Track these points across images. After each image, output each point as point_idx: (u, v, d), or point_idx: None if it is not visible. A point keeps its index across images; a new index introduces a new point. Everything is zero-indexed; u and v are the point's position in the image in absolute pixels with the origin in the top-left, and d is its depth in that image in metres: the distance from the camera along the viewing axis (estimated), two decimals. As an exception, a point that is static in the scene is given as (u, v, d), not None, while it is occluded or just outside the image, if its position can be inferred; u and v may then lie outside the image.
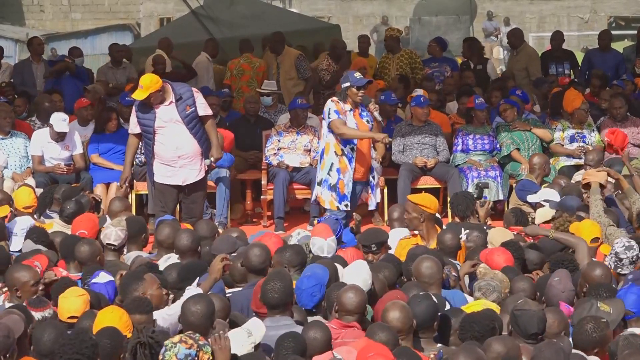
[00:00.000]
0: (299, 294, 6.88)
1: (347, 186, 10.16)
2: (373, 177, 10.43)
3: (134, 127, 10.47)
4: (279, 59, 14.74)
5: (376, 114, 10.20)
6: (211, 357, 5.62)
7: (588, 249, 8.16)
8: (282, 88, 14.38)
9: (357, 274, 7.21)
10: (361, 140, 10.19)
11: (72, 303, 6.69)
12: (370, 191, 10.40)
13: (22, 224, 9.35)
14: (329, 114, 10.08)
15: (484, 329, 6.29)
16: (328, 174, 10.20)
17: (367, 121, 10.20)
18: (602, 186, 9.33)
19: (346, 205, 10.15)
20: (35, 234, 8.88)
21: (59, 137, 12.02)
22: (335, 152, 10.16)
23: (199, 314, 6.23)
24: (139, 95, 10.14)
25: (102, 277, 7.38)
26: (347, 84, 10.14)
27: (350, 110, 10.15)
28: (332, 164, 10.18)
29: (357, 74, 10.30)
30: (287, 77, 14.59)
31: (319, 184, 10.32)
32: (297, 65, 14.60)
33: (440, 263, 7.34)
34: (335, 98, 10.28)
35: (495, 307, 6.88)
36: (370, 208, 10.45)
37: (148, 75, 10.44)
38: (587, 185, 9.52)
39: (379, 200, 12.03)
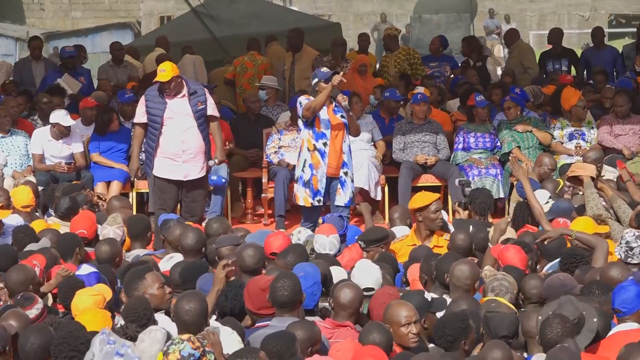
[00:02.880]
0: None
1: (321, 182, 10.21)
2: (345, 173, 10.41)
3: (141, 116, 10.44)
4: (296, 57, 14.59)
5: (344, 104, 10.22)
6: None
7: (607, 250, 8.02)
8: (297, 87, 14.29)
9: (369, 273, 7.23)
10: (334, 137, 10.23)
11: (82, 302, 6.69)
12: (340, 187, 10.39)
13: (9, 223, 9.32)
14: (301, 104, 10.22)
15: (455, 331, 6.19)
16: (302, 170, 10.30)
17: (342, 116, 10.27)
18: (593, 179, 9.29)
19: (318, 201, 10.23)
20: (22, 233, 8.82)
21: (65, 132, 12.00)
22: (307, 147, 10.26)
23: (193, 312, 6.17)
24: (164, 77, 10.14)
25: (84, 269, 7.37)
26: (316, 79, 10.27)
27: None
28: (305, 160, 10.28)
29: (324, 69, 10.47)
30: (303, 76, 14.39)
31: (296, 181, 10.42)
32: (315, 66, 14.43)
33: (478, 269, 7.31)
34: (306, 95, 10.49)
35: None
36: (336, 204, 10.38)
37: (167, 62, 10.54)
38: (575, 179, 9.48)
39: (379, 197, 12.11)
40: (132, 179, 10.94)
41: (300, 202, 10.36)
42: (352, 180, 10.45)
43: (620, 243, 7.80)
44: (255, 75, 14.76)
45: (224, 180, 11.81)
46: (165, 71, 10.17)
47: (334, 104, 10.26)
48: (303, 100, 10.26)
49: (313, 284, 6.84)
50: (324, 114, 10.22)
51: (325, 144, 10.22)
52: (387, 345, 6.04)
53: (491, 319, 6.29)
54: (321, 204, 10.26)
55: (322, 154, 10.21)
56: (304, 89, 13.98)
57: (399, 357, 6.05)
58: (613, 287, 6.79)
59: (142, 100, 10.44)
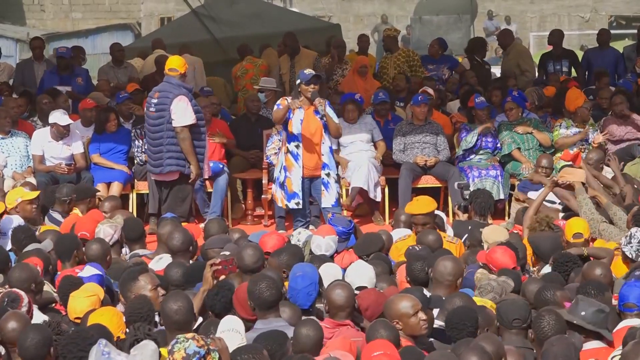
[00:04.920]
0: (295, 294, 6.83)
1: (296, 184, 10.28)
2: (328, 175, 10.48)
3: (192, 117, 10.49)
4: (295, 59, 14.51)
5: (320, 108, 10.31)
6: None
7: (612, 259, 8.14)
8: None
9: (362, 272, 7.25)
10: (310, 138, 10.35)
11: (79, 304, 6.67)
12: (324, 188, 10.45)
13: (11, 223, 9.29)
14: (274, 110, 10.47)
15: (473, 322, 6.29)
16: (279, 171, 10.49)
17: (321, 118, 10.37)
18: (583, 183, 9.35)
19: (297, 204, 10.29)
20: (22, 234, 8.79)
21: (65, 131, 11.99)
22: (284, 150, 10.39)
23: (183, 311, 6.20)
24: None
25: (87, 271, 7.34)
26: (298, 81, 10.39)
27: (300, 108, 10.36)
28: (282, 161, 10.44)
29: (307, 71, 10.57)
30: None
31: (274, 181, 10.62)
32: (315, 66, 14.34)
33: (461, 266, 7.33)
34: (286, 98, 10.57)
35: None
36: (322, 206, 10.47)
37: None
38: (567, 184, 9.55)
39: (379, 198, 12.11)
40: (192, 184, 10.82)
41: (278, 203, 10.61)
42: (337, 181, 10.60)
43: (631, 242, 7.83)
44: (257, 75, 14.76)
45: (221, 166, 11.88)
46: (182, 64, 10.73)
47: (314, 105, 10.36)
48: (277, 104, 10.44)
49: (310, 284, 6.81)
50: (297, 117, 10.36)
51: (297, 146, 10.33)
52: (395, 341, 6.03)
53: (500, 307, 6.39)
54: (300, 206, 10.32)
55: (295, 157, 10.36)
56: None
57: (407, 350, 6.03)
58: (606, 286, 6.87)
59: (186, 100, 10.44)
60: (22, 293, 6.77)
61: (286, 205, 10.44)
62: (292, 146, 10.37)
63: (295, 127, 10.34)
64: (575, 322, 6.27)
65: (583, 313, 6.28)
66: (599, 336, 6.27)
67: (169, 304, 6.25)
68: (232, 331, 6.18)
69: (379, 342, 5.86)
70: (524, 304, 6.47)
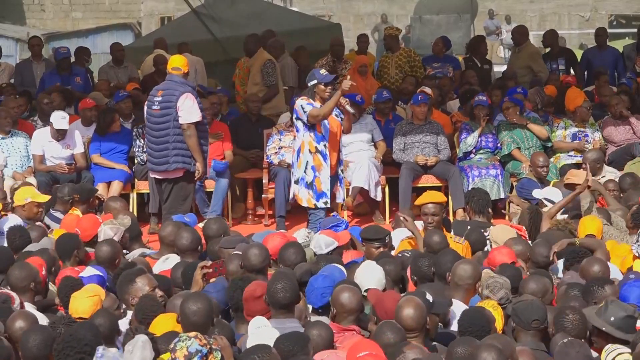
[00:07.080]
0: (310, 291, 6.82)
1: (325, 183, 10.28)
2: (342, 171, 10.57)
3: (199, 113, 10.57)
4: (250, 62, 14.17)
5: (347, 107, 10.28)
6: None
7: (606, 250, 8.16)
8: (249, 93, 13.90)
9: (371, 274, 7.20)
10: (333, 137, 10.34)
11: (81, 304, 6.64)
12: (338, 184, 10.48)
13: (10, 223, 9.27)
14: (304, 109, 10.26)
15: (486, 324, 6.30)
16: (304, 172, 10.38)
17: (337, 115, 10.34)
18: (588, 187, 9.39)
19: (325, 203, 10.29)
20: (15, 235, 8.76)
21: (59, 135, 12.00)
22: (309, 149, 10.36)
23: (202, 312, 6.18)
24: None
25: (88, 271, 7.33)
26: (314, 81, 10.32)
27: (319, 107, 10.30)
28: (307, 162, 10.37)
29: (323, 71, 10.51)
30: (253, 82, 13.97)
31: (296, 182, 10.50)
32: (263, 70, 13.90)
33: (480, 269, 7.33)
34: (303, 97, 10.43)
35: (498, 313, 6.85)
36: (337, 200, 10.53)
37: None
38: (570, 185, 9.56)
39: (379, 197, 12.12)
40: (197, 180, 10.88)
41: (304, 204, 10.48)
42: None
43: (639, 241, 7.88)
44: (244, 77, 14.71)
45: (222, 166, 11.93)
46: (184, 63, 10.71)
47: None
48: (305, 104, 10.26)
49: (328, 286, 6.75)
50: None
51: (325, 146, 10.30)
52: (402, 342, 5.98)
53: (518, 308, 6.37)
54: (328, 205, 10.32)
55: (324, 156, 10.30)
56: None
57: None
58: (606, 280, 6.94)
59: (192, 98, 10.47)
60: (13, 294, 6.78)
61: (314, 204, 10.39)
62: (321, 146, 10.33)
63: (324, 127, 10.32)
64: (603, 329, 6.14)
65: (612, 319, 6.15)
66: (623, 342, 6.09)
67: (189, 305, 6.22)
68: (266, 327, 6.20)
69: (364, 342, 5.82)
70: (542, 305, 6.42)
